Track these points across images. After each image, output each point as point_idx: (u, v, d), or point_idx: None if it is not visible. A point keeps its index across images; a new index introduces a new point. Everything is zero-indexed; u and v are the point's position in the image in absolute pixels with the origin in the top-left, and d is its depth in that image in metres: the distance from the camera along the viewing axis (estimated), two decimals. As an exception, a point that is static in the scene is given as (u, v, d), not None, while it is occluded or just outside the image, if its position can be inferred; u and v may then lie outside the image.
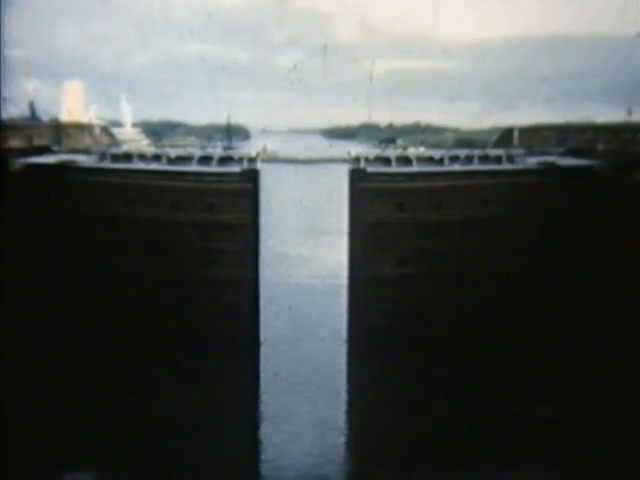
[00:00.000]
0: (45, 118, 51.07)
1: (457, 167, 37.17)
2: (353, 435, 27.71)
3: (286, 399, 30.20)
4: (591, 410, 27.44)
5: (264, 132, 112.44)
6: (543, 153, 39.89)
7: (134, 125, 75.78)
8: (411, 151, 40.92)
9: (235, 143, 51.97)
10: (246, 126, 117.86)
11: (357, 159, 36.29)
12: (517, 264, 34.05)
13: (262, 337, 34.92)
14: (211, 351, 32.35)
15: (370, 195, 34.44)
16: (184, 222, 34.03)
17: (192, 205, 34.16)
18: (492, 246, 34.05)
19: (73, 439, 25.56)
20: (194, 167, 36.48)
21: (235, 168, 35.77)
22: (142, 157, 38.13)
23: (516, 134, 46.97)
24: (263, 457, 25.88)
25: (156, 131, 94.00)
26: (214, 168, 36.34)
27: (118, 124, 71.56)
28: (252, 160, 36.34)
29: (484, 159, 38.18)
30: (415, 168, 36.78)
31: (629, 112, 41.12)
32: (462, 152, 39.61)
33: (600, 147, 36.26)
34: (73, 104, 56.97)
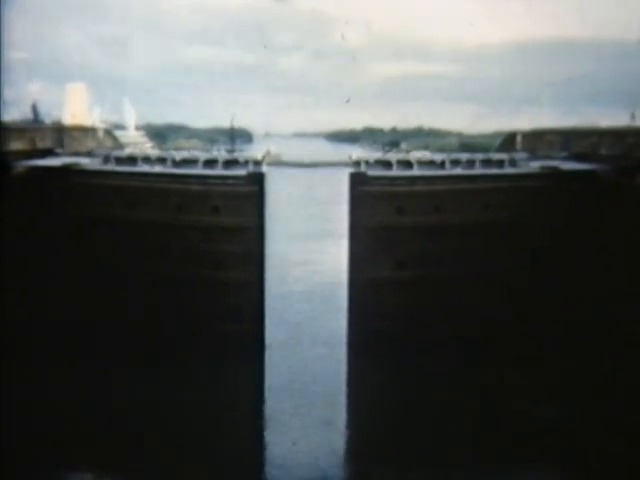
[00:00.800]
0: (48, 121, 51.08)
1: (458, 171, 37.18)
2: (354, 434, 27.78)
3: (289, 402, 30.12)
4: (590, 412, 27.50)
5: (267, 135, 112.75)
6: (546, 157, 39.87)
7: (137, 128, 75.75)
8: (414, 155, 40.92)
9: (238, 146, 51.86)
10: (249, 129, 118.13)
11: (358, 162, 36.28)
12: (518, 268, 33.98)
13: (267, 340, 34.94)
14: (215, 354, 32.33)
15: (370, 198, 34.43)
16: (189, 225, 34.03)
17: (197, 208, 34.17)
18: (493, 250, 34.05)
19: (76, 439, 25.54)
20: (199, 170, 36.54)
21: (241, 171, 35.74)
22: (147, 160, 38.22)
23: (519, 138, 46.95)
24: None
25: (160, 134, 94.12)
26: (220, 171, 36.34)
27: (121, 127, 71.53)
28: (258, 163, 36.34)
29: (486, 163, 38.17)
30: (416, 172, 36.80)
31: (632, 117, 41.16)
32: (464, 156, 39.65)
33: (603, 151, 36.21)
34: (76, 107, 56.96)
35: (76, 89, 59.19)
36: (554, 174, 35.75)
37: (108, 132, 53.54)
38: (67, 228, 33.96)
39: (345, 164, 37.13)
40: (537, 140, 45.63)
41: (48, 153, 38.16)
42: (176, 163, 37.42)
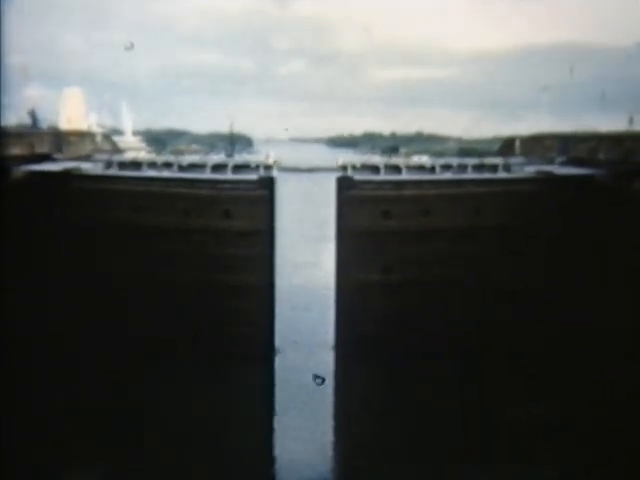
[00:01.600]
0: (44, 125, 51.02)
1: (448, 175, 37.30)
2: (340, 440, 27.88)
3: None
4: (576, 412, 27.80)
5: (267, 141, 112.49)
6: (543, 162, 39.90)
7: (136, 133, 75.69)
8: (413, 160, 41.01)
9: (238, 151, 51.91)
10: (249, 134, 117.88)
11: (345, 167, 36.39)
12: (507, 273, 34.10)
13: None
14: (225, 357, 32.48)
15: (356, 203, 34.69)
16: (199, 229, 34.31)
17: (208, 212, 34.39)
18: (483, 255, 34.15)
19: (82, 440, 25.79)
20: (208, 174, 36.66)
21: (251, 175, 36.06)
22: (152, 164, 38.32)
23: (518, 143, 47.00)
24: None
25: (159, 139, 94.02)
26: (230, 175, 36.56)
27: (118, 132, 71.46)
28: (268, 167, 36.69)
29: (479, 168, 38.33)
30: (403, 176, 36.95)
31: (631, 121, 41.14)
32: (455, 160, 39.83)
33: (602, 156, 36.20)
34: (72, 111, 56.88)
35: (72, 94, 59.06)
36: (548, 179, 35.85)
37: (106, 137, 53.50)
38: (69, 233, 34.05)
39: (345, 168, 37.31)
40: (536, 145, 45.66)
41: (46, 158, 38.14)
42: (182, 168, 37.60)
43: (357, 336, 33.95)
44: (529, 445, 25.81)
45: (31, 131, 45.29)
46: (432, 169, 37.96)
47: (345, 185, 35.23)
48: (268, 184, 35.06)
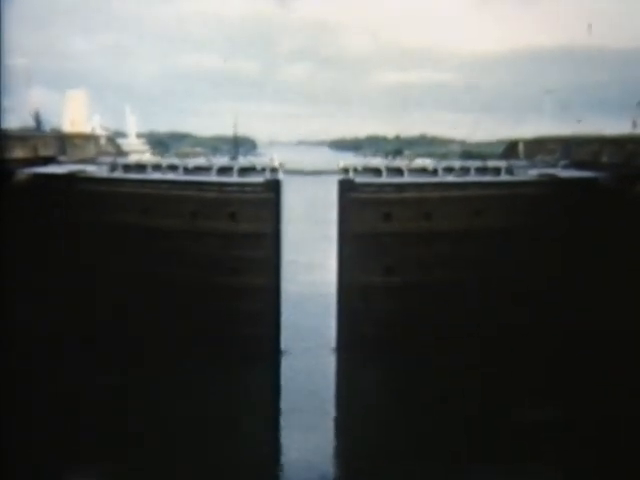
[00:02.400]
0: (47, 128, 51.11)
1: (450, 178, 37.40)
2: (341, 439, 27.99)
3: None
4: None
5: (271, 144, 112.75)
6: (546, 165, 39.91)
7: (139, 136, 75.80)
8: (417, 162, 41.10)
9: (242, 154, 51.96)
10: (253, 137, 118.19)
11: (346, 170, 36.56)
12: (509, 276, 34.14)
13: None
14: (232, 359, 32.57)
15: (358, 205, 34.81)
16: (206, 231, 34.39)
17: (214, 215, 34.52)
18: (485, 257, 34.23)
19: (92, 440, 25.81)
20: (213, 177, 36.85)
21: (257, 178, 36.17)
22: (157, 167, 38.47)
23: (521, 146, 46.97)
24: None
25: (163, 142, 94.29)
26: (236, 178, 36.73)
27: (122, 134, 71.57)
28: (274, 170, 36.84)
29: (481, 171, 38.41)
30: (405, 179, 37.11)
31: (634, 124, 41.10)
32: (457, 163, 39.93)
33: (605, 159, 36.17)
34: (75, 114, 56.93)
35: (76, 96, 59.11)
36: (551, 182, 35.89)
37: (110, 140, 53.62)
38: (74, 235, 34.17)
39: (349, 171, 37.43)
40: (539, 148, 45.66)
41: (50, 161, 38.25)
42: (188, 170, 37.75)
43: (359, 338, 34.04)
44: (534, 446, 25.72)
45: (35, 134, 45.40)
46: (434, 172, 38.07)
47: (347, 188, 35.36)
48: (274, 187, 35.20)
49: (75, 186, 35.28)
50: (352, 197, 35.00)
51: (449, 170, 38.34)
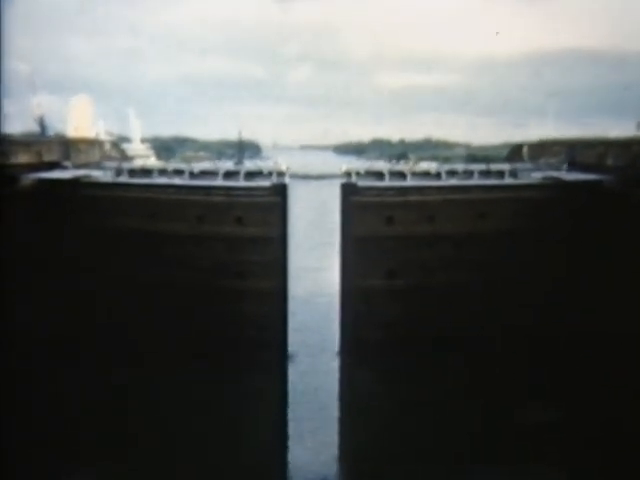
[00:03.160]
0: (51, 133, 51.20)
1: (453, 182, 37.42)
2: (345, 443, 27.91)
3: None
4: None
5: (275, 148, 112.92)
6: (551, 168, 39.88)
7: (143, 140, 75.91)
8: (421, 166, 41.17)
9: (247, 159, 52.05)
10: (257, 142, 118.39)
11: (349, 173, 36.62)
12: (513, 279, 34.16)
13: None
14: (238, 363, 32.49)
15: (360, 209, 34.85)
16: (212, 235, 34.49)
17: (221, 219, 34.60)
18: (488, 260, 34.22)
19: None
20: (219, 182, 36.91)
21: (264, 182, 36.36)
22: (163, 172, 38.55)
23: (526, 149, 46.94)
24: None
25: (167, 146, 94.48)
26: (242, 182, 36.82)
27: (126, 139, 71.65)
28: (281, 174, 37.06)
29: (485, 174, 38.40)
30: (407, 182, 37.15)
31: (639, 127, 41.00)
32: (460, 166, 39.97)
33: (610, 162, 36.09)
34: (80, 119, 56.99)
35: (80, 101, 59.19)
36: (555, 185, 35.88)
37: (114, 145, 53.69)
38: (79, 240, 34.26)
39: (346, 175, 37.57)
40: (544, 151, 45.62)
41: (55, 166, 38.33)
42: (194, 175, 37.82)
43: (361, 341, 34.05)
44: (537, 448, 25.70)
45: (39, 139, 45.51)
46: (437, 175, 38.09)
47: (349, 191, 35.45)
48: (281, 191, 35.31)
49: (80, 191, 35.40)
50: (354, 200, 35.05)
51: (452, 173, 38.41)
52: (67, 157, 40.55)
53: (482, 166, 39.83)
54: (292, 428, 29.08)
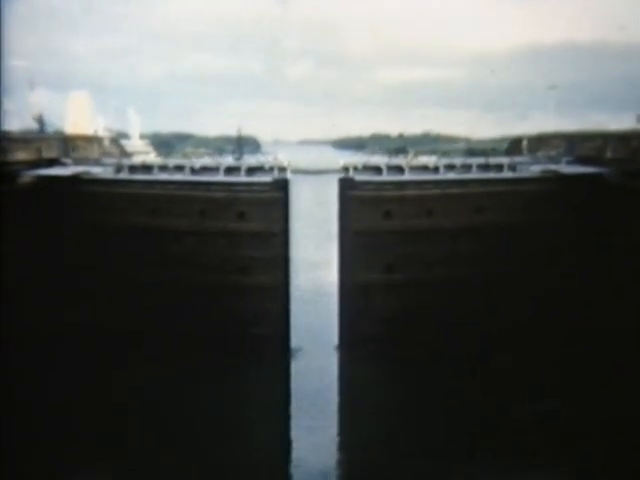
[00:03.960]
0: (50, 130, 51.14)
1: (450, 175, 37.40)
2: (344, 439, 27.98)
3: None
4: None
5: (275, 143, 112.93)
6: (550, 161, 39.88)
7: (142, 137, 75.87)
8: (421, 160, 41.14)
9: (246, 154, 51.91)
10: (257, 137, 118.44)
11: (346, 168, 36.57)
12: (511, 273, 34.31)
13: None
14: (241, 358, 32.76)
15: (358, 203, 34.93)
16: (214, 231, 34.64)
17: (223, 214, 34.72)
18: (486, 254, 34.31)
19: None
20: (221, 177, 36.99)
21: (265, 178, 36.40)
22: (163, 168, 38.57)
23: (525, 143, 46.88)
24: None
25: (166, 143, 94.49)
26: (244, 178, 36.90)
27: (125, 136, 71.60)
28: (282, 169, 37.10)
29: (484, 168, 38.42)
30: (405, 177, 37.22)
31: (638, 119, 41.02)
32: (458, 160, 39.97)
33: (609, 155, 36.11)
34: (78, 115, 56.92)
35: (78, 98, 59.11)
36: (554, 178, 35.90)
37: (114, 141, 53.60)
38: (80, 236, 34.40)
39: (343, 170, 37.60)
40: (543, 144, 45.59)
41: (54, 162, 38.31)
42: (195, 171, 37.83)
43: (360, 336, 34.17)
44: (536, 443, 25.78)
45: (38, 136, 45.46)
46: (436, 169, 38.12)
47: (347, 186, 35.57)
48: (283, 186, 35.40)
49: (80, 188, 35.40)
50: (352, 195, 35.16)
51: (450, 167, 38.42)
52: (66, 154, 40.50)
53: (481, 160, 39.77)
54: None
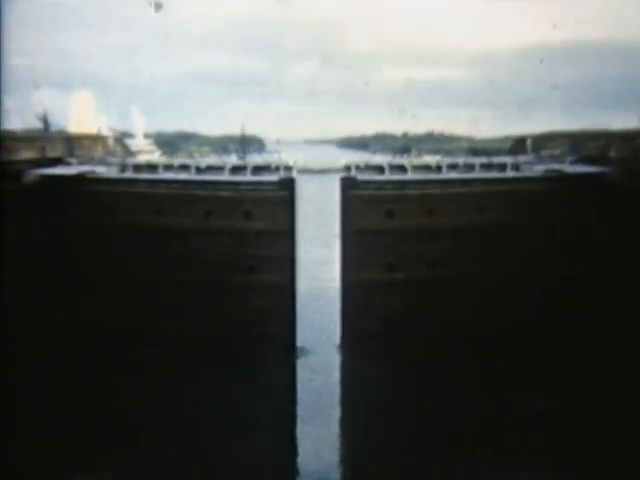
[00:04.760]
0: (54, 129, 51.19)
1: (452, 175, 37.39)
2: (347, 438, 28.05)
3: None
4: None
5: (279, 143, 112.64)
6: (554, 161, 39.81)
7: (146, 136, 75.91)
8: (419, 159, 41.12)
9: (250, 154, 51.96)
10: (261, 137, 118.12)
11: (349, 167, 36.59)
12: (513, 273, 34.28)
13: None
14: (247, 357, 32.82)
15: (360, 202, 34.99)
16: (221, 230, 34.72)
17: (229, 213, 34.81)
18: (488, 253, 34.29)
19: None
20: (226, 176, 37.01)
21: (272, 177, 36.39)
22: (168, 167, 38.60)
23: (529, 142, 46.81)
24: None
25: (170, 142, 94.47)
26: (250, 177, 36.87)
27: (129, 135, 71.61)
28: (288, 169, 37.07)
29: (487, 167, 38.38)
30: (407, 176, 37.21)
31: (642, 118, 40.94)
32: (461, 160, 39.93)
33: (613, 154, 36.07)
34: (82, 115, 56.99)
35: (82, 97, 59.15)
36: (558, 177, 35.86)
37: (118, 140, 53.67)
38: (85, 235, 34.40)
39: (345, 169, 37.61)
40: (547, 144, 45.51)
41: (58, 162, 38.36)
42: (200, 170, 37.91)
43: (362, 335, 34.23)
44: (535, 443, 25.75)
45: (42, 135, 45.52)
46: (438, 168, 38.07)
47: (349, 185, 35.66)
48: (289, 185, 35.50)
49: (85, 187, 35.44)
50: (354, 194, 35.22)
51: (453, 166, 38.36)
52: (71, 153, 40.54)
53: (484, 159, 39.70)
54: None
